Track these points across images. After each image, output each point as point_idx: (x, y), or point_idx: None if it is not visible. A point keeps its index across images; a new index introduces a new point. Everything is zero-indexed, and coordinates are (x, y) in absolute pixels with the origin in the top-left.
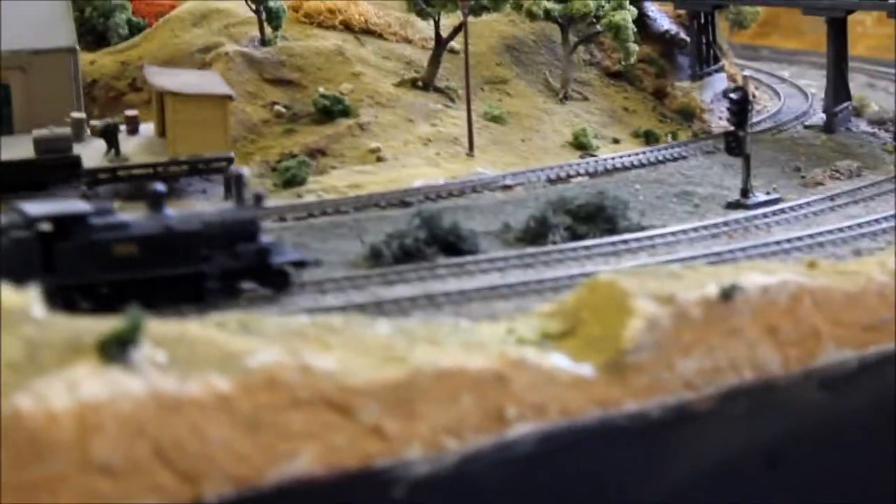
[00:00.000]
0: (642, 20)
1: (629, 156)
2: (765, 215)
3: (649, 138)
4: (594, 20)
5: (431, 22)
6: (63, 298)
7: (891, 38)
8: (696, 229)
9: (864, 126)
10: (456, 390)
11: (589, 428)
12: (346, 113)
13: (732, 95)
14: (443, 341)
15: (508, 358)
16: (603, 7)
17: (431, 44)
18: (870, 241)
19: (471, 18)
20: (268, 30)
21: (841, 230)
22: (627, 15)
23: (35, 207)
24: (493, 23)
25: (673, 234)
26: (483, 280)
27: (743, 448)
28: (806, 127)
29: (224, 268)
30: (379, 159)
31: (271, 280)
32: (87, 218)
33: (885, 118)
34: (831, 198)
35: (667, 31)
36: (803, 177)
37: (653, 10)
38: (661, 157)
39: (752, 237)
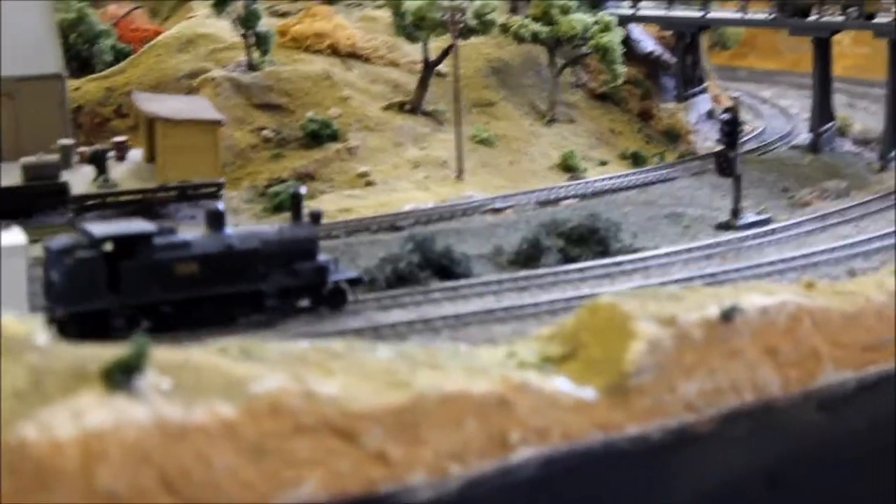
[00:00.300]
0: (627, 42)
1: (618, 178)
2: (756, 236)
3: (637, 160)
4: (581, 42)
5: (419, 45)
6: (126, 318)
7: (868, 57)
8: (689, 250)
9: (848, 146)
10: (460, 415)
11: (591, 451)
12: (334, 137)
13: (723, 116)
14: (444, 366)
15: (511, 382)
16: (590, 29)
17: (418, 67)
18: (863, 261)
19: (459, 41)
20: (255, 54)
21: (833, 250)
22: (615, 37)
23: (100, 227)
24: (480, 46)
25: (666, 255)
26: (479, 304)
27: (744, 470)
28: (792, 147)
29: (282, 286)
30: (368, 183)
31: (328, 298)
32: (151, 238)
33: (869, 138)
34: (821, 218)
35: (651, 53)
36: (791, 197)
37: (637, 31)
38: (649, 179)
39: (745, 258)
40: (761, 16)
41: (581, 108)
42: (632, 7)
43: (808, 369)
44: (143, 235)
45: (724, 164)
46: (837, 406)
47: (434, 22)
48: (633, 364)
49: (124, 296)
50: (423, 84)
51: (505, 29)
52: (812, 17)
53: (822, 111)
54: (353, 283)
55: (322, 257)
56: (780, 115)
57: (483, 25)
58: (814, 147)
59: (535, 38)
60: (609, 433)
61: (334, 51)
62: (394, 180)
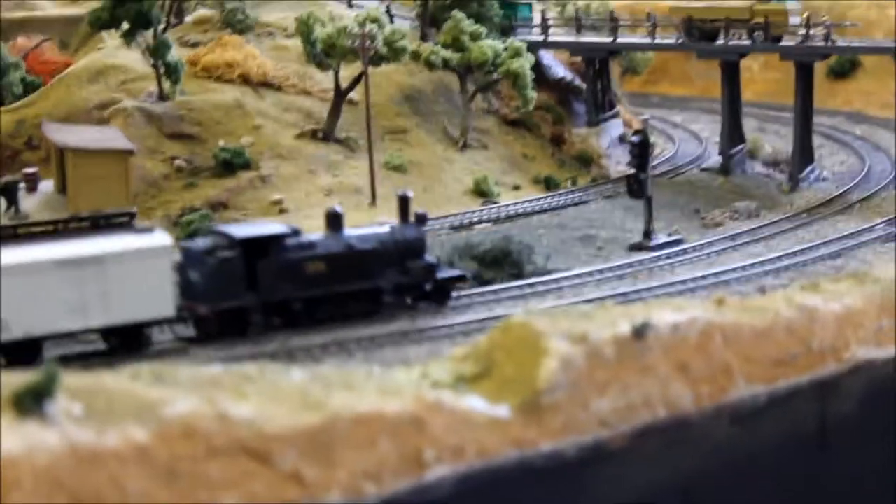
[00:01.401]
0: (538, 68)
1: (531, 201)
2: (668, 256)
3: (549, 184)
4: (492, 68)
5: (330, 73)
6: (264, 315)
7: (777, 82)
8: (601, 271)
9: (759, 167)
10: (374, 435)
11: (506, 469)
12: (247, 165)
13: (633, 139)
14: (358, 387)
15: (425, 401)
16: (500, 55)
17: (330, 95)
18: (773, 279)
19: (370, 69)
20: (166, 84)
21: (744, 268)
22: (525, 62)
23: (238, 229)
24: (392, 73)
25: (579, 276)
26: (394, 325)
27: (658, 484)
28: (703, 169)
29: (397, 283)
30: (282, 211)
31: (433, 294)
32: (284, 238)
33: (778, 159)
34: (732, 237)
35: (562, 79)
36: (703, 218)
37: (548, 57)
38: (562, 203)
39: (657, 277)
40: (669, 41)
41: (493, 133)
42: (542, 34)
43: (720, 384)
44: (277, 236)
45: (636, 185)
46: (750, 420)
47: (344, 49)
48: (546, 381)
49: (261, 293)
50: (334, 112)
51: (416, 56)
52: (719, 42)
53: (732, 134)
54: (458, 280)
55: (429, 257)
56: (691, 139)
57: (393, 52)
58: (724, 169)
59: (446, 64)
60: (524, 450)
61: (246, 80)
62: (307, 207)
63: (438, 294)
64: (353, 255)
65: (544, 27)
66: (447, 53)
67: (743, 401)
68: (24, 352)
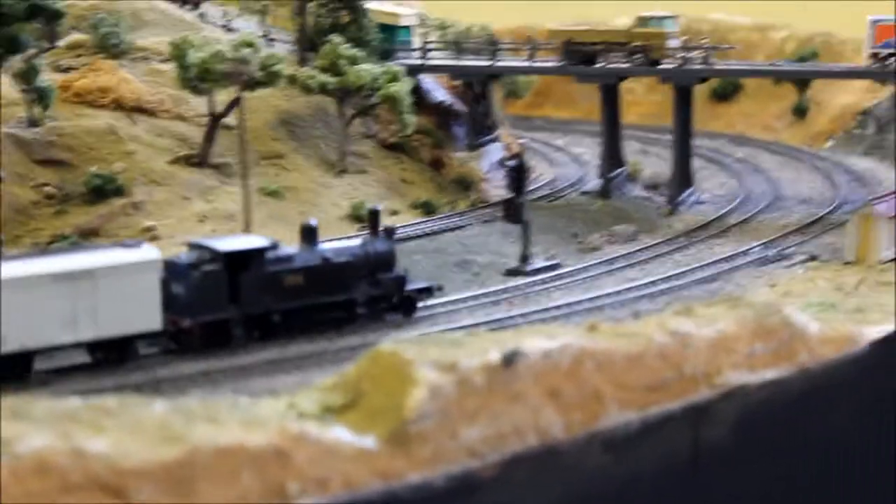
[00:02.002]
0: (417, 91)
1: (409, 226)
2: (544, 281)
3: (428, 209)
4: (370, 92)
5: (205, 98)
6: (245, 329)
7: (661, 104)
8: (475, 297)
9: (638, 191)
10: (236, 468)
11: (372, 500)
12: (119, 192)
13: (509, 163)
14: (222, 418)
15: (289, 433)
16: (378, 79)
17: (206, 120)
18: (648, 303)
19: (246, 94)
20: (36, 110)
21: (619, 293)
22: (403, 86)
23: (221, 243)
24: (268, 97)
25: (453, 302)
26: (262, 354)
27: None
28: (582, 193)
29: (370, 295)
30: (153, 238)
31: (400, 306)
32: (264, 252)
33: (658, 182)
34: (609, 262)
35: (442, 102)
36: (580, 242)
37: (427, 81)
38: (440, 227)
39: (532, 303)
40: (549, 64)
41: (372, 158)
42: (421, 57)
43: (592, 411)
44: (258, 250)
45: (512, 210)
46: (622, 446)
47: (219, 74)
48: (414, 411)
49: (243, 306)
50: (209, 137)
51: (293, 80)
52: (598, 65)
53: (612, 157)
54: (425, 292)
55: (398, 270)
56: (572, 162)
57: (269, 77)
58: (604, 192)
59: (324, 88)
60: (390, 481)
61: (119, 105)
62: (180, 234)
63: (406, 305)
64: (329, 268)
65: (424, 51)
66: (324, 77)
67: (615, 427)
68: (15, 365)
